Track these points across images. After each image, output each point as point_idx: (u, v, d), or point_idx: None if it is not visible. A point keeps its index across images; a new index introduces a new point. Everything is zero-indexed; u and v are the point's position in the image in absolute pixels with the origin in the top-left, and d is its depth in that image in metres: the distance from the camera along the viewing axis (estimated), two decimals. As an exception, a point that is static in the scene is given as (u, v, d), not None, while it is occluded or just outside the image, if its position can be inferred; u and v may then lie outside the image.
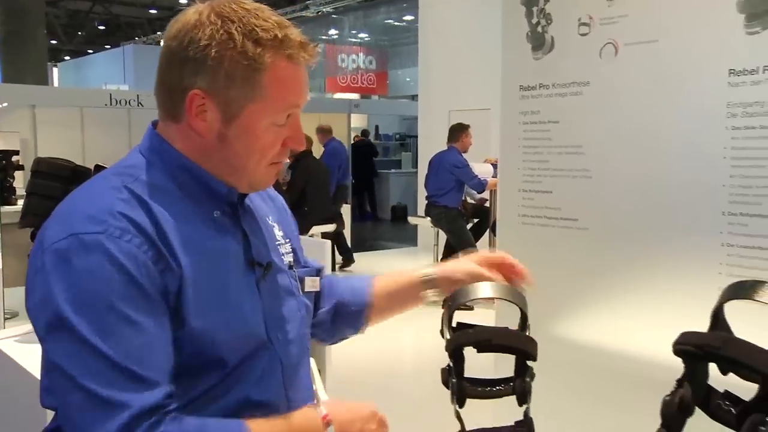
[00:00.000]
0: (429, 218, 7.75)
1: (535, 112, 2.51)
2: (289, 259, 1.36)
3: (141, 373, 1.05)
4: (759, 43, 1.91)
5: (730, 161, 1.97)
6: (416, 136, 11.97)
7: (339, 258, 8.97)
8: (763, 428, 1.09)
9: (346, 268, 9.06)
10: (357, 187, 15.25)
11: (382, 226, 14.66)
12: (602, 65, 2.29)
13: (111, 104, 11.35)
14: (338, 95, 21.28)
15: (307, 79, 1.22)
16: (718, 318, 1.29)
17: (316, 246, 3.21)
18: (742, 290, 1.26)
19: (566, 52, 2.41)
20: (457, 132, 7.39)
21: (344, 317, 1.54)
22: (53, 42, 23.58)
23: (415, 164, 12.24)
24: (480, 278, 1.46)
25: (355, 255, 9.28)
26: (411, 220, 9.12)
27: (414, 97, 12.17)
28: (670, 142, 2.12)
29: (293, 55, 1.16)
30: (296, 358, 1.32)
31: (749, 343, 1.26)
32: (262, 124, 1.18)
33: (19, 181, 7.56)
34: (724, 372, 1.24)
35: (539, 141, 2.50)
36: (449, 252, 7.58)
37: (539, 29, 2.46)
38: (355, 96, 20.97)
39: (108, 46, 25.83)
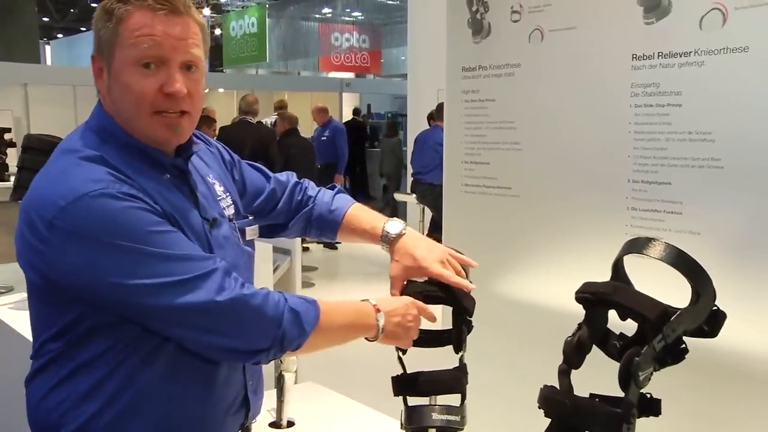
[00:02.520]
0: (414, 195, 7.94)
1: (474, 91, 2.75)
2: (229, 212, 1.54)
3: (203, 253, 1.32)
4: (654, 32, 2.16)
5: (633, 135, 2.23)
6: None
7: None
8: (637, 359, 1.35)
9: (330, 248, 9.28)
10: (348, 166, 15.45)
11: (371, 204, 14.80)
12: (531, 49, 2.54)
13: (103, 83, 11.51)
14: (332, 74, 21.33)
15: (182, 30, 1.34)
16: (618, 269, 1.55)
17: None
18: (636, 246, 1.52)
19: (501, 36, 2.65)
20: (443, 111, 7.54)
21: (317, 229, 1.79)
22: (45, 19, 23.54)
23: (406, 143, 12.45)
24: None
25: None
26: (397, 197, 9.30)
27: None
28: (586, 118, 2.37)
29: (150, 5, 1.31)
30: None
31: (634, 291, 1.52)
32: (128, 68, 1.32)
33: (12, 159, 7.75)
34: (622, 317, 1.50)
35: (478, 117, 2.75)
36: (435, 227, 7.80)
37: (478, 16, 2.70)
38: (348, 75, 21.04)
39: (101, 25, 25.81)
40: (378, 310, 1.48)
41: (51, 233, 1.25)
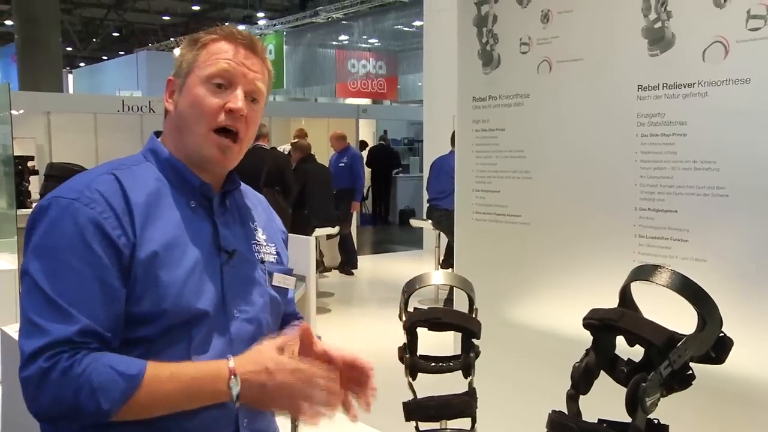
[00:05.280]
0: (430, 221, 7.96)
1: (485, 120, 2.81)
2: (268, 258, 1.58)
3: (68, 309, 1.29)
4: (658, 63, 2.21)
5: (640, 164, 2.27)
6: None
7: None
8: (644, 384, 1.38)
9: (346, 274, 9.33)
10: (373, 192, 15.55)
11: (390, 230, 14.88)
12: (539, 79, 2.60)
13: (123, 110, 11.69)
14: (349, 100, 21.48)
15: (252, 63, 1.48)
16: (625, 295, 1.59)
17: (300, 243, 3.49)
18: (642, 273, 1.56)
19: (510, 67, 2.71)
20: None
21: None
22: (68, 49, 23.96)
23: (422, 168, 12.48)
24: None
25: (364, 258, 9.51)
26: (413, 223, 9.30)
27: (424, 102, 12.43)
28: (594, 147, 2.42)
29: (229, 36, 1.48)
30: (249, 335, 1.50)
31: (640, 317, 1.55)
32: (200, 85, 1.45)
33: (35, 186, 7.89)
34: (630, 343, 1.53)
35: (489, 146, 2.81)
36: (450, 253, 7.80)
37: (488, 47, 2.77)
38: (365, 101, 21.17)
39: (122, 53, 26.25)
40: (233, 374, 1.30)
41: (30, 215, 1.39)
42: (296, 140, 8.49)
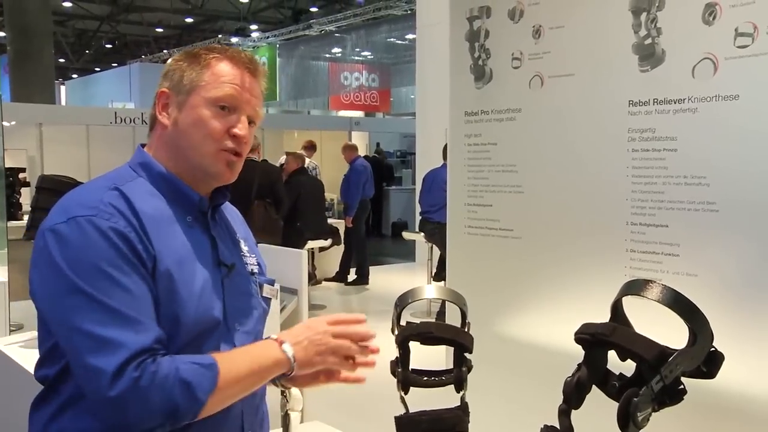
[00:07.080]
0: (423, 234, 7.97)
1: (477, 135, 2.83)
2: (252, 269, 1.61)
3: (136, 317, 1.30)
4: (649, 79, 2.24)
5: (631, 179, 2.29)
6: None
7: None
8: (635, 399, 1.39)
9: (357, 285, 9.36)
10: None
11: (382, 242, 14.86)
12: (531, 94, 2.62)
13: (116, 122, 11.71)
14: (342, 113, 21.53)
15: (254, 89, 1.52)
16: (617, 310, 1.59)
17: (292, 256, 3.49)
18: (634, 288, 1.56)
19: (502, 82, 2.73)
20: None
21: None
22: (61, 60, 23.94)
23: (415, 181, 12.47)
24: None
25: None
26: (405, 235, 9.30)
27: (417, 115, 12.44)
28: (586, 162, 2.43)
29: (234, 57, 1.50)
30: None
31: (632, 331, 1.55)
32: (206, 106, 1.46)
33: (26, 197, 7.87)
34: (621, 358, 1.53)
35: (481, 161, 2.82)
36: (443, 266, 7.80)
37: (480, 62, 2.79)
38: (358, 114, 21.22)
39: (115, 65, 26.26)
40: (282, 342, 1.43)
41: (40, 241, 1.36)
42: (295, 151, 8.51)
